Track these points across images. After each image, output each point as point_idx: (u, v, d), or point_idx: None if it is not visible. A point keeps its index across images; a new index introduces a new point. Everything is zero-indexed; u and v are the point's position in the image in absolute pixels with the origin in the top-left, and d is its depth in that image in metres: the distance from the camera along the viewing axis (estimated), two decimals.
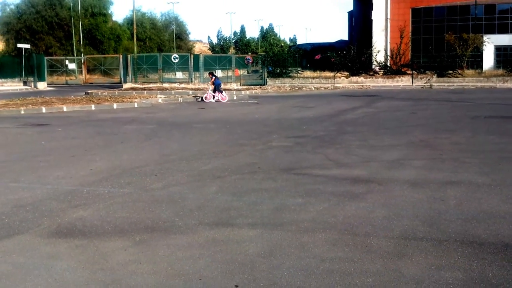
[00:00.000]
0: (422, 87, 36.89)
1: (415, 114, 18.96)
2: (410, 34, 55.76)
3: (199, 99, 28.41)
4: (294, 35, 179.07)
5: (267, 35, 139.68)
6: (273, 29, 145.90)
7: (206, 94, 28.23)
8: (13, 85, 45.60)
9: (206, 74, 35.77)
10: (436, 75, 43.48)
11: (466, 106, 21.65)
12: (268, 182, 8.37)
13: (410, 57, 50.14)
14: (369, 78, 44.57)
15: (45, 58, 49.32)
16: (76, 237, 5.87)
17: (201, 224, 6.22)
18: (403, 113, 19.26)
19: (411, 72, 43.61)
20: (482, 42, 54.87)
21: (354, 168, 9.39)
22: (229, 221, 6.34)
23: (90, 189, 8.03)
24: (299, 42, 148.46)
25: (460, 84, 39.20)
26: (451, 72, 44.52)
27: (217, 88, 27.99)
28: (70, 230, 6.10)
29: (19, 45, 50.83)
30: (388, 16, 63.21)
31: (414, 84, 39.70)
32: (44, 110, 22.29)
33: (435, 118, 17.39)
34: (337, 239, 5.62)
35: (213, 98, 27.73)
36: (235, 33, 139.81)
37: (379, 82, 42.34)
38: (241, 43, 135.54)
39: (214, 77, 28.76)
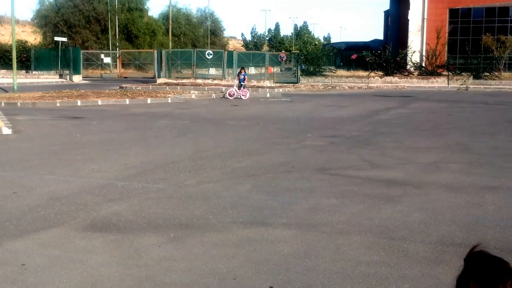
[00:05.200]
0: (458, 89, 36.33)
1: (451, 116, 18.67)
2: (447, 34, 54.99)
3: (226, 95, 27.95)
4: (328, 33, 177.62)
5: (301, 33, 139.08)
6: (308, 27, 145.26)
7: (232, 90, 27.83)
8: (49, 78, 46.18)
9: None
10: (472, 77, 42.78)
11: (503, 110, 21.26)
12: (302, 181, 8.31)
13: (446, 58, 49.43)
14: (404, 78, 44.03)
15: (81, 51, 49.80)
16: (111, 231, 5.89)
17: (235, 223, 6.19)
18: (439, 115, 18.98)
19: (446, 73, 42.99)
20: None
21: (390, 170, 9.27)
22: (263, 220, 6.30)
23: (125, 184, 8.06)
24: (333, 40, 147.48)
25: (497, 86, 38.50)
26: (488, 74, 43.79)
27: (241, 83, 27.86)
28: (105, 224, 6.13)
29: (56, 38, 51.43)
30: (425, 16, 62.28)
31: (449, 86, 39.14)
32: (79, 103, 22.52)
33: (472, 121, 17.10)
34: (372, 242, 5.53)
35: (234, 95, 27.45)
36: (269, 30, 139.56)
37: (414, 83, 41.83)
38: (275, 40, 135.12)
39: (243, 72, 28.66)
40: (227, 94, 27.74)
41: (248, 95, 27.65)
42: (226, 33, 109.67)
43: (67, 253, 5.24)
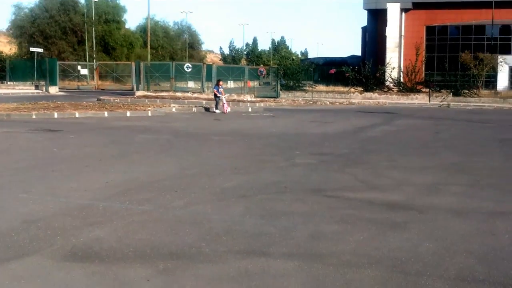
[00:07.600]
0: (439, 106, 36.10)
1: (438, 134, 18.27)
2: (424, 51, 55.09)
3: (213, 110, 27.29)
4: (306, 48, 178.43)
5: (279, 47, 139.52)
6: (285, 42, 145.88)
7: (223, 104, 27.06)
8: (25, 89, 45.21)
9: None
10: (451, 94, 42.74)
11: (490, 128, 20.96)
12: (298, 204, 7.74)
13: (424, 75, 49.39)
14: (384, 94, 43.87)
15: (58, 62, 48.90)
16: (92, 261, 5.26)
17: (230, 252, 5.60)
18: (426, 133, 18.58)
19: (427, 90, 42.85)
20: (498, 63, 54.01)
21: (388, 191, 8.75)
22: (262, 249, 5.72)
23: (106, 205, 7.43)
24: (310, 56, 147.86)
25: (477, 104, 38.45)
26: (467, 91, 43.74)
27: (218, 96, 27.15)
28: (86, 253, 5.50)
29: (32, 49, 50.57)
30: (403, 33, 62.63)
31: (430, 102, 38.99)
32: (56, 115, 21.76)
33: (461, 139, 16.71)
34: (386, 277, 4.98)
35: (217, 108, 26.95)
36: (247, 44, 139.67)
37: (394, 99, 41.63)
38: (253, 54, 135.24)
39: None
40: (224, 109, 26.91)
41: (228, 109, 27.13)
42: (204, 47, 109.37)
43: None
